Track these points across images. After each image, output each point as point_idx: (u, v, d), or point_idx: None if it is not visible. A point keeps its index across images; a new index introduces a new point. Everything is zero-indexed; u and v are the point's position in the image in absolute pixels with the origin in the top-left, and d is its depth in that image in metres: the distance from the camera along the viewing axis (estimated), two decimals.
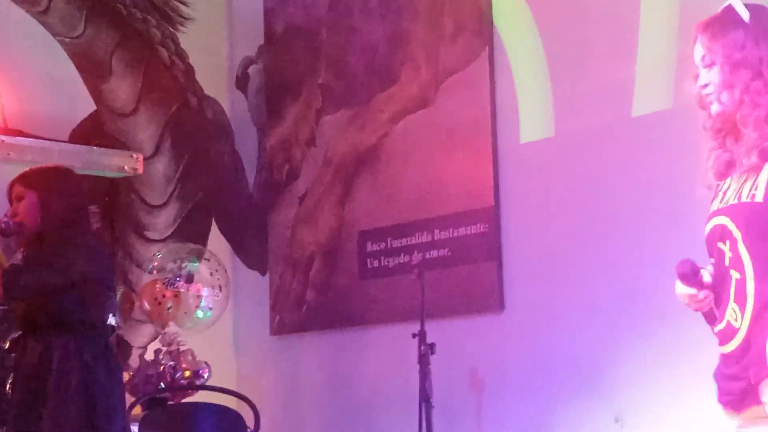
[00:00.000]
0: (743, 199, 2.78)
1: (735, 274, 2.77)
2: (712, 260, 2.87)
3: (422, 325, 4.95)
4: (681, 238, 4.52)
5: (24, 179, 4.59)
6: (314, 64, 6.42)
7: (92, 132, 6.25)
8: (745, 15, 2.86)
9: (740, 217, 2.77)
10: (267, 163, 6.63)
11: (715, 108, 2.86)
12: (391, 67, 6.03)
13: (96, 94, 6.35)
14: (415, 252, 5.74)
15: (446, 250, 5.68)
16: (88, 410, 4.42)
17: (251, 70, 6.83)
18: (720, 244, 2.82)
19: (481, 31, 5.66)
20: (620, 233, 5.03)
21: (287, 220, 6.46)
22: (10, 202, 4.56)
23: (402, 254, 5.85)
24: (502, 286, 5.45)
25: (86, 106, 6.31)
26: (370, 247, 6.01)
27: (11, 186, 4.59)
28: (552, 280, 5.27)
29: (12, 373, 4.54)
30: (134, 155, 6.23)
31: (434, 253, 5.70)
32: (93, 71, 6.35)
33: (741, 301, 2.75)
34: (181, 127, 6.65)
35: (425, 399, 4.84)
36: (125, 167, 6.16)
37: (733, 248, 2.78)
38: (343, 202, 6.19)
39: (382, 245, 5.96)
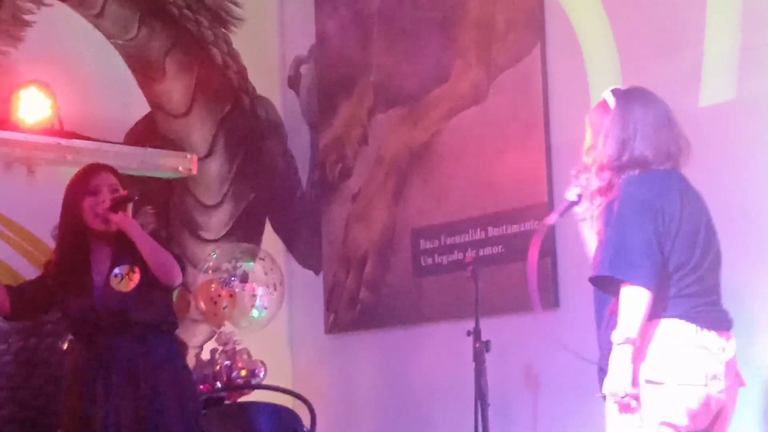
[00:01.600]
0: None
1: None
2: None
3: (477, 323, 4.94)
4: (741, 232, 4.48)
5: (119, 177, 4.58)
6: (366, 62, 6.43)
7: (147, 133, 6.30)
8: (611, 103, 3.45)
9: None
10: (320, 162, 6.64)
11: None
12: (443, 64, 6.02)
13: (150, 95, 6.40)
14: (469, 249, 5.73)
15: (500, 247, 5.66)
16: (195, 406, 4.57)
17: (303, 69, 6.85)
18: None
19: (533, 26, 5.63)
20: None
21: (340, 219, 6.47)
22: (91, 185, 4.47)
23: (455, 252, 5.84)
24: (556, 283, 5.43)
25: (140, 107, 6.36)
26: (424, 244, 6.01)
27: (102, 170, 4.55)
28: None
29: (73, 373, 4.53)
30: (188, 156, 6.27)
31: (488, 250, 5.69)
32: (147, 73, 6.40)
33: None
34: (235, 127, 6.68)
35: (481, 397, 4.83)
36: (179, 168, 6.20)
37: None
38: (396, 200, 6.19)
39: (436, 243, 5.95)
